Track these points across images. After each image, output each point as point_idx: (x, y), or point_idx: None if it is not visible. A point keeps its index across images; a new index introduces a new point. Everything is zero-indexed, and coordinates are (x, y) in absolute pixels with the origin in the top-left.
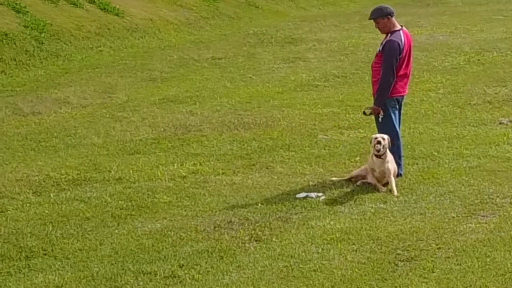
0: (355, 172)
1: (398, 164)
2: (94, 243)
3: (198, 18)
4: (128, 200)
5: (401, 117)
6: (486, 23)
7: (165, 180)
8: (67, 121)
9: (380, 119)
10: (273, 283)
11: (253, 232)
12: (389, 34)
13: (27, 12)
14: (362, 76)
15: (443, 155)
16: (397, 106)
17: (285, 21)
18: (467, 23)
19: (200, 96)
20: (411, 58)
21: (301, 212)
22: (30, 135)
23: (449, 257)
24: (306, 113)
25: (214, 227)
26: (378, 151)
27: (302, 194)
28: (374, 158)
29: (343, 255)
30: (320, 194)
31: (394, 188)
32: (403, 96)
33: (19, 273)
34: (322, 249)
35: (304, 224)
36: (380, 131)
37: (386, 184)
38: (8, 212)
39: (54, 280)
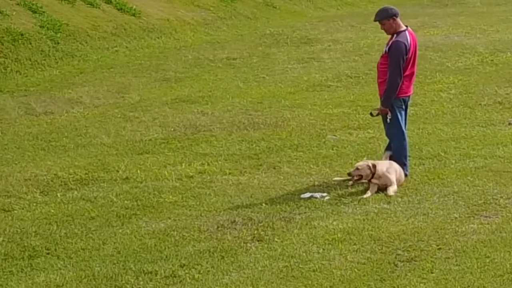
0: None
1: (404, 164)
2: (97, 242)
3: (215, 18)
4: (134, 199)
5: (407, 117)
6: (503, 23)
7: (172, 180)
8: (78, 121)
9: (388, 120)
10: (272, 283)
11: (255, 232)
12: (395, 35)
13: (44, 12)
14: (374, 77)
15: (450, 155)
16: (403, 106)
17: (302, 22)
18: (484, 24)
19: (212, 96)
20: (417, 58)
21: (304, 212)
22: (41, 135)
23: (449, 258)
24: (316, 113)
25: (217, 227)
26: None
27: (307, 194)
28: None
29: (343, 255)
30: (324, 194)
31: (390, 190)
32: (409, 96)
33: (21, 272)
34: (323, 249)
35: (307, 224)
36: (387, 132)
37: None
38: (14, 211)
39: (56, 279)
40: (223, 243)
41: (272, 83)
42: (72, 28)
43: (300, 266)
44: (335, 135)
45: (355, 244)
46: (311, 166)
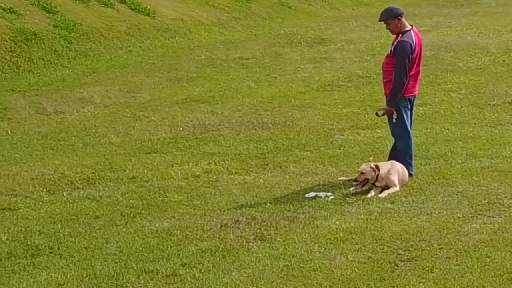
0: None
1: (409, 164)
2: (100, 241)
3: (230, 18)
4: (139, 199)
5: (413, 117)
6: None
7: (178, 179)
8: (88, 120)
9: (393, 120)
10: (272, 282)
11: (258, 231)
12: (400, 35)
13: (57, 12)
14: None
15: (457, 155)
16: (409, 106)
17: (317, 22)
18: (498, 24)
19: (223, 95)
20: (422, 58)
21: (308, 212)
22: (51, 134)
23: (449, 258)
24: (325, 113)
25: (221, 226)
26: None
27: (311, 194)
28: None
29: (344, 254)
30: (329, 194)
31: (386, 193)
32: (414, 95)
33: (23, 271)
34: (325, 249)
35: (310, 223)
36: (392, 132)
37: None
38: (20, 210)
39: (57, 278)
40: (225, 242)
41: (283, 83)
42: (86, 28)
43: (301, 265)
44: (343, 135)
45: (356, 243)
46: (317, 165)
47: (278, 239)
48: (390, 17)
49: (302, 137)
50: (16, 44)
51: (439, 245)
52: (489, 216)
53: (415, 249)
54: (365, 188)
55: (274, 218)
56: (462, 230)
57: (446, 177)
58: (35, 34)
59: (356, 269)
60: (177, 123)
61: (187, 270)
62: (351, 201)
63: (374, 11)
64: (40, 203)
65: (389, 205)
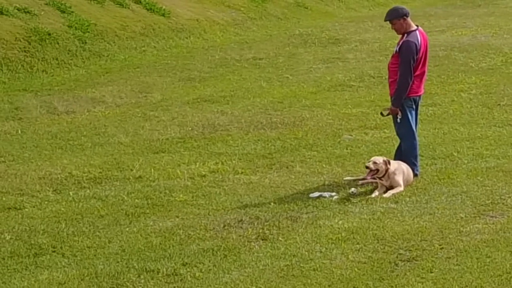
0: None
1: (414, 164)
2: (103, 240)
3: (246, 18)
4: (145, 198)
5: (418, 117)
6: None
7: (184, 179)
8: (98, 120)
9: (398, 120)
10: (272, 281)
11: (261, 231)
12: (405, 35)
13: (72, 12)
14: None
15: (463, 155)
16: (414, 106)
17: (332, 22)
18: None
19: (234, 95)
20: (427, 58)
21: (312, 212)
22: (60, 134)
23: (449, 257)
24: (335, 113)
25: (224, 226)
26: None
27: (316, 194)
28: (377, 179)
29: (345, 254)
30: (333, 193)
31: (390, 193)
32: (419, 95)
33: (25, 270)
34: (326, 249)
35: (312, 223)
36: (397, 131)
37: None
38: (25, 209)
39: (58, 277)
40: (227, 241)
41: (295, 83)
42: (100, 28)
43: (301, 265)
44: (351, 135)
45: (358, 243)
46: (324, 165)
47: (280, 238)
48: (396, 17)
49: (310, 137)
50: (30, 44)
51: (440, 245)
52: (492, 216)
53: (416, 249)
54: (371, 181)
55: (277, 218)
56: (464, 230)
57: (451, 177)
58: (49, 34)
59: (356, 269)
60: (186, 123)
61: (188, 269)
62: (355, 201)
63: None
64: (46, 202)
65: (392, 205)
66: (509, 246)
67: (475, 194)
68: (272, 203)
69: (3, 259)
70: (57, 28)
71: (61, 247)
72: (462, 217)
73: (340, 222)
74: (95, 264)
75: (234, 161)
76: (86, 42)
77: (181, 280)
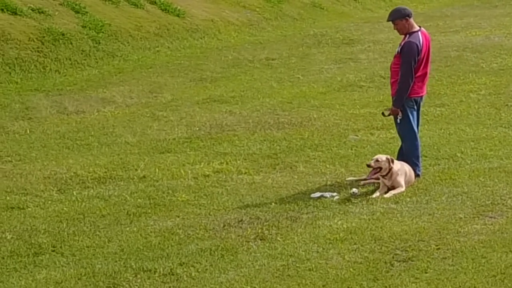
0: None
1: (416, 165)
2: (103, 240)
3: (261, 19)
4: (147, 198)
5: (420, 118)
6: None
7: (188, 179)
8: (107, 120)
9: (398, 120)
10: (267, 281)
11: (260, 231)
12: (407, 36)
13: (86, 12)
14: None
15: (467, 156)
16: (415, 107)
17: (348, 23)
18: None
19: (244, 96)
20: (430, 59)
21: (312, 212)
22: (68, 134)
23: (445, 258)
24: (343, 113)
25: (223, 226)
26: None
27: (317, 194)
28: (381, 177)
29: (341, 254)
30: (334, 194)
31: (391, 193)
32: (421, 96)
33: (24, 269)
34: (323, 249)
35: (312, 223)
36: (398, 132)
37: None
38: (28, 209)
39: (56, 276)
40: (226, 241)
41: (306, 83)
42: (115, 28)
43: (297, 265)
44: (356, 135)
45: (355, 243)
46: (327, 165)
47: (278, 238)
48: (398, 17)
49: (316, 137)
50: (43, 44)
51: (437, 245)
52: (491, 217)
53: (412, 250)
54: (373, 181)
55: (277, 218)
56: (462, 231)
57: (452, 178)
58: (63, 34)
59: (351, 269)
60: (194, 123)
61: (185, 269)
62: (355, 201)
63: None
64: (49, 202)
65: (392, 205)
66: (505, 246)
67: (475, 195)
68: (273, 203)
69: (3, 258)
70: (71, 28)
71: (60, 247)
72: (461, 218)
73: (339, 222)
74: (93, 263)
75: (238, 161)
76: (100, 43)
77: (177, 280)
